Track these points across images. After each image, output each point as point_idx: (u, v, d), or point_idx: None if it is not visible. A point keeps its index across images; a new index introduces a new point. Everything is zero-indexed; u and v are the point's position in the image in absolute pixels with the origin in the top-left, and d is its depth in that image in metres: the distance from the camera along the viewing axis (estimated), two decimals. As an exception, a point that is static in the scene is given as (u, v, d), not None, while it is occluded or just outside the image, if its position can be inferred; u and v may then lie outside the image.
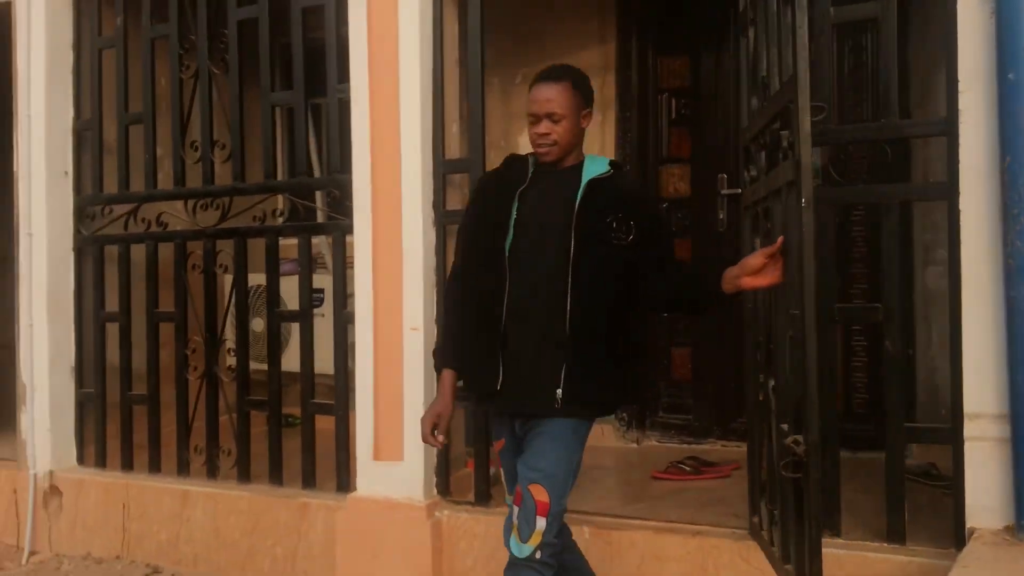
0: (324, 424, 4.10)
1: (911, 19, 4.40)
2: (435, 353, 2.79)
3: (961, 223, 2.88)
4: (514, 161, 2.81)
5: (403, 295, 3.73)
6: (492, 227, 2.66)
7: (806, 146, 2.46)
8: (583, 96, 2.67)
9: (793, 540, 2.74)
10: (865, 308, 3.91)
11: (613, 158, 5.08)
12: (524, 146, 5.31)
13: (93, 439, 4.72)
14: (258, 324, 4.94)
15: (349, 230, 3.95)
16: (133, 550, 4.38)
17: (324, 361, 4.13)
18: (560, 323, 2.56)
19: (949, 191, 2.91)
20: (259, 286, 4.63)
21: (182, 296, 4.50)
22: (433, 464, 3.75)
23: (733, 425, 4.83)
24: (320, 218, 4.48)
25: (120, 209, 4.70)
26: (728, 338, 4.57)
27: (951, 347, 2.95)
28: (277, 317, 4.29)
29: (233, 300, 4.41)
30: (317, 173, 5.46)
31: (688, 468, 4.29)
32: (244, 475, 4.28)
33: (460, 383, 2.76)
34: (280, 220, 4.32)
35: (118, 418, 4.64)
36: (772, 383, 3.01)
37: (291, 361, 4.30)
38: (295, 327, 4.30)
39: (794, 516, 2.71)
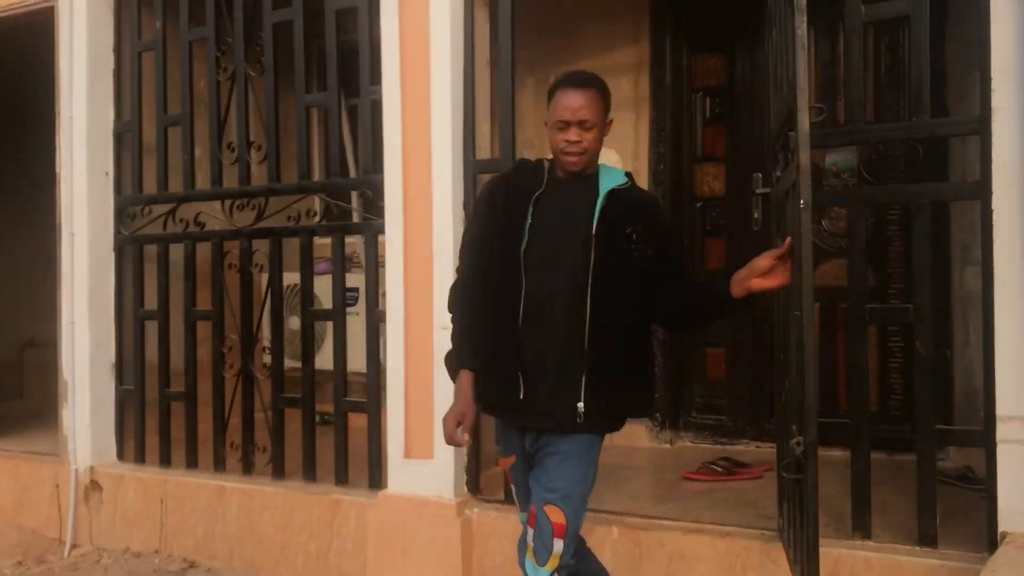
0: (358, 422, 4.15)
1: (949, 16, 4.35)
2: (448, 358, 2.67)
3: (994, 223, 2.84)
4: (526, 166, 2.75)
5: (433, 295, 3.75)
6: (506, 233, 2.58)
7: (804, 147, 2.44)
8: (607, 104, 2.63)
9: (793, 541, 2.72)
10: (896, 308, 3.87)
11: (648, 158, 5.13)
12: (558, 146, 5.37)
13: (132, 435, 4.81)
14: (294, 322, 5.00)
15: (381, 230, 3.99)
16: (170, 544, 4.46)
17: (358, 359, 4.18)
18: (579, 335, 2.50)
19: (982, 190, 2.87)
20: (295, 285, 4.69)
21: (219, 295, 4.57)
22: (463, 462, 3.77)
23: (767, 426, 4.79)
24: (355, 218, 4.53)
25: (159, 209, 4.79)
26: (763, 338, 4.55)
27: (983, 348, 2.91)
28: (311, 316, 4.34)
29: (268, 299, 4.46)
30: (353, 174, 5.52)
31: (719, 469, 4.27)
32: (279, 472, 4.34)
33: None
34: (314, 220, 4.37)
35: (156, 415, 4.73)
36: (787, 383, 2.99)
37: (326, 359, 4.35)
38: (331, 325, 4.34)
39: (798, 517, 2.69)
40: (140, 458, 4.78)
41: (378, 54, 3.97)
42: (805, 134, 2.44)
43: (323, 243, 4.43)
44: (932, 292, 3.06)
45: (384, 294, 3.97)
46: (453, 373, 2.62)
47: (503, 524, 3.63)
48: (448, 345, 3.38)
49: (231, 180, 4.57)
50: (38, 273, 5.65)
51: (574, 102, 2.54)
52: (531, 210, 2.58)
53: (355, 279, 4.57)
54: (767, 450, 4.69)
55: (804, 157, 2.43)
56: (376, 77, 4.01)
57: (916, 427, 3.06)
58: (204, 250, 4.64)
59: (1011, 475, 2.80)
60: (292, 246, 4.41)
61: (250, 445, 4.44)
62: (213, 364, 4.57)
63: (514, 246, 2.55)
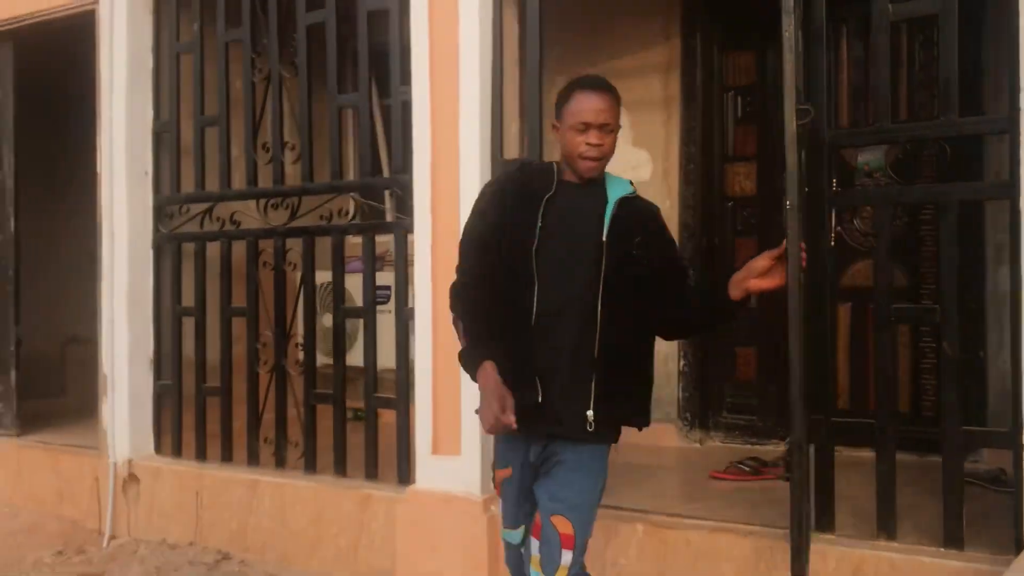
0: (390, 418, 4.21)
1: (986, 15, 4.30)
2: (464, 354, 2.53)
3: (1023, 222, 2.81)
4: (533, 166, 2.74)
5: (461, 293, 3.78)
6: (516, 235, 2.52)
7: (790, 149, 2.44)
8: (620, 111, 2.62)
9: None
10: (922, 308, 3.85)
11: (679, 157, 5.12)
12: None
13: (169, 429, 4.92)
14: (327, 320, 5.06)
15: (411, 229, 4.03)
16: (205, 536, 4.54)
17: (390, 356, 4.22)
18: (589, 342, 2.48)
19: (1011, 190, 2.85)
20: (328, 283, 4.75)
21: (253, 292, 4.65)
22: (489, 459, 3.78)
23: (797, 426, 4.77)
24: (388, 217, 4.58)
25: (196, 208, 4.89)
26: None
27: (1011, 349, 2.88)
28: (342, 313, 4.40)
29: (301, 296, 4.53)
30: (387, 173, 5.57)
31: (747, 468, 4.26)
32: (310, 466, 4.40)
33: None
34: (346, 219, 4.43)
35: (193, 409, 4.83)
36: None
37: (359, 356, 4.40)
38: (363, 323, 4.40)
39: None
40: (177, 452, 4.88)
41: (408, 55, 4.01)
42: (792, 135, 2.44)
43: (356, 242, 4.50)
44: (963, 292, 3.04)
45: (414, 292, 4.02)
46: (473, 367, 2.48)
47: (529, 521, 3.66)
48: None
49: (266, 179, 4.65)
50: (80, 271, 5.78)
51: (596, 104, 2.52)
52: (542, 212, 2.53)
53: (387, 277, 4.63)
54: (797, 450, 4.67)
55: (790, 158, 2.44)
56: (406, 77, 4.05)
57: (942, 428, 3.04)
58: (239, 248, 4.72)
59: (1037, 477, 2.77)
60: (325, 245, 4.47)
61: (283, 440, 4.52)
62: (248, 360, 4.65)
63: (525, 249, 2.50)
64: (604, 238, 2.52)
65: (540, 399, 2.48)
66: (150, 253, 4.99)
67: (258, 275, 4.65)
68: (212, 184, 4.84)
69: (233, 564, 4.33)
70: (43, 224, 6.52)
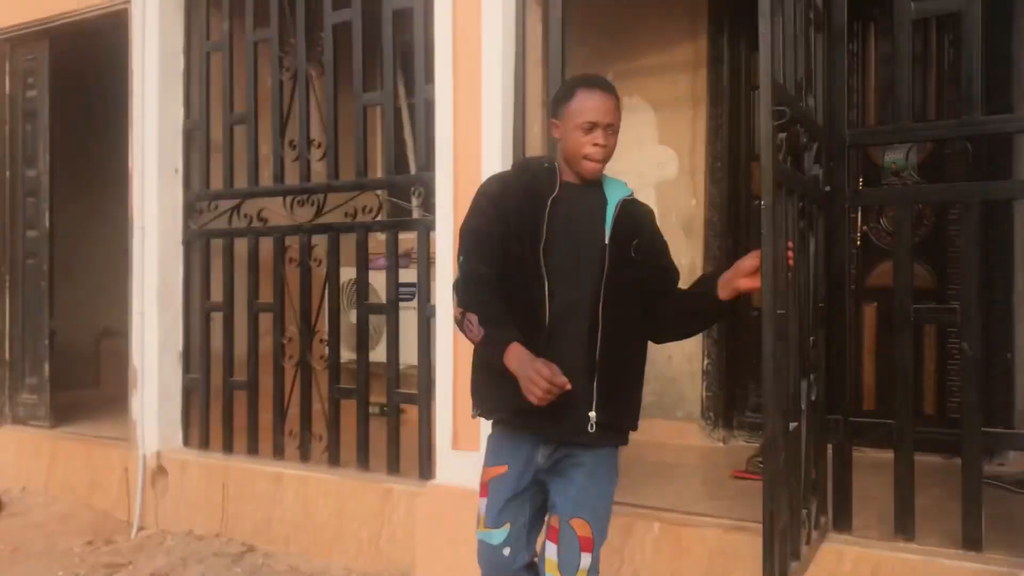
0: (413, 413, 4.24)
1: (1016, 11, 4.25)
2: (486, 339, 2.36)
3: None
4: (534, 165, 2.67)
5: (482, 291, 3.80)
6: (524, 235, 2.47)
7: (764, 149, 2.43)
8: None
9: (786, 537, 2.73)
10: (942, 308, 3.81)
11: (705, 156, 5.11)
12: (614, 143, 5.38)
13: (197, 422, 5.00)
14: (353, 316, 5.11)
15: (433, 226, 4.06)
16: (231, 528, 4.61)
17: (416, 353, 4.25)
18: (594, 343, 2.46)
19: (1034, 190, 2.82)
20: (353, 279, 4.80)
21: (280, 288, 4.71)
22: (509, 455, 3.82)
23: (822, 426, 4.75)
24: (415, 214, 4.61)
25: (225, 204, 4.95)
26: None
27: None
28: (366, 309, 4.44)
29: (326, 292, 4.58)
30: (414, 171, 5.61)
31: (769, 468, 4.23)
32: (334, 460, 4.45)
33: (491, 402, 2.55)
34: (370, 216, 4.47)
35: (220, 402, 4.90)
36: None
37: (384, 352, 4.44)
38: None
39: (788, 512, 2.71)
40: (204, 444, 4.95)
41: (432, 53, 4.04)
42: (767, 136, 2.43)
43: (382, 239, 4.53)
44: (990, 293, 3.02)
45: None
46: (500, 350, 2.32)
47: (547, 517, 3.68)
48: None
49: (292, 177, 4.71)
50: (114, 265, 5.88)
51: (603, 104, 2.49)
52: (547, 213, 2.49)
53: (413, 275, 4.65)
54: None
55: (764, 158, 2.43)
56: (430, 76, 4.08)
57: (963, 428, 3.02)
58: (266, 244, 4.78)
59: (1057, 480, 2.75)
60: (350, 241, 4.52)
61: (307, 434, 4.57)
62: (274, 355, 4.71)
63: (534, 250, 2.46)
64: (607, 241, 2.51)
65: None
66: (180, 249, 5.07)
67: (284, 271, 4.71)
68: (240, 181, 4.91)
69: (257, 556, 4.39)
70: (77, 220, 6.66)
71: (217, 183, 5.00)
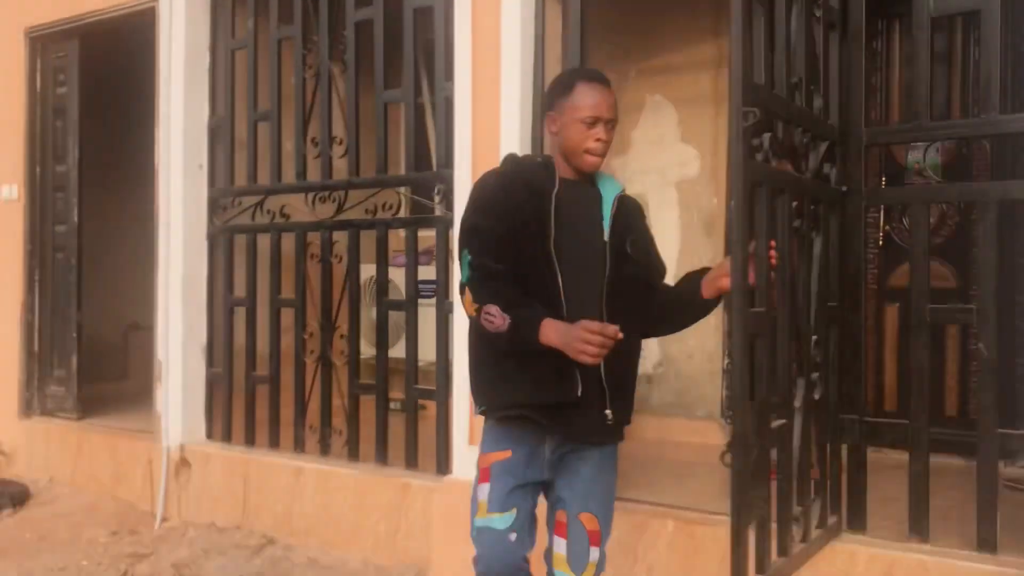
0: (432, 409, 4.27)
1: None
2: (516, 324, 2.29)
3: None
4: (532, 161, 2.65)
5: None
6: (531, 231, 2.43)
7: (735, 147, 2.43)
8: None
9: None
10: (960, 309, 3.78)
11: (728, 154, 5.09)
12: (637, 140, 5.38)
13: (220, 415, 5.06)
14: (373, 312, 5.15)
15: (453, 224, 4.09)
16: (251, 520, 4.67)
17: (434, 349, 4.29)
18: None
19: (1053, 190, 2.80)
20: (374, 276, 4.83)
21: (301, 284, 4.76)
22: (525, 452, 3.84)
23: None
24: (438, 211, 4.64)
25: (248, 201, 5.01)
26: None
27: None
28: (385, 306, 4.47)
29: (347, 289, 4.62)
30: (435, 168, 5.63)
31: (787, 467, 4.22)
32: (353, 455, 4.49)
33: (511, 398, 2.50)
34: (390, 213, 4.50)
35: (243, 396, 4.95)
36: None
37: (403, 348, 4.47)
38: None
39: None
40: (227, 437, 5.01)
41: (452, 51, 4.07)
42: (737, 134, 2.43)
43: (402, 236, 4.56)
44: (1012, 294, 2.99)
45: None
46: (533, 331, 2.28)
47: (562, 513, 3.69)
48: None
49: (315, 173, 4.75)
50: (141, 260, 5.96)
51: (605, 99, 2.48)
52: (552, 208, 2.45)
53: (433, 272, 4.67)
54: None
55: (736, 156, 2.44)
56: (450, 74, 4.11)
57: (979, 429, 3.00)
58: (289, 241, 4.82)
59: (1072, 483, 2.72)
60: (371, 238, 4.55)
61: (327, 428, 4.62)
62: (295, 350, 4.76)
63: (544, 246, 2.42)
64: (607, 237, 2.51)
65: (580, 394, 2.40)
66: (204, 244, 5.14)
67: (306, 267, 4.76)
68: (264, 178, 4.97)
69: (277, 548, 4.44)
70: (105, 215, 6.73)
71: (241, 179, 5.06)
